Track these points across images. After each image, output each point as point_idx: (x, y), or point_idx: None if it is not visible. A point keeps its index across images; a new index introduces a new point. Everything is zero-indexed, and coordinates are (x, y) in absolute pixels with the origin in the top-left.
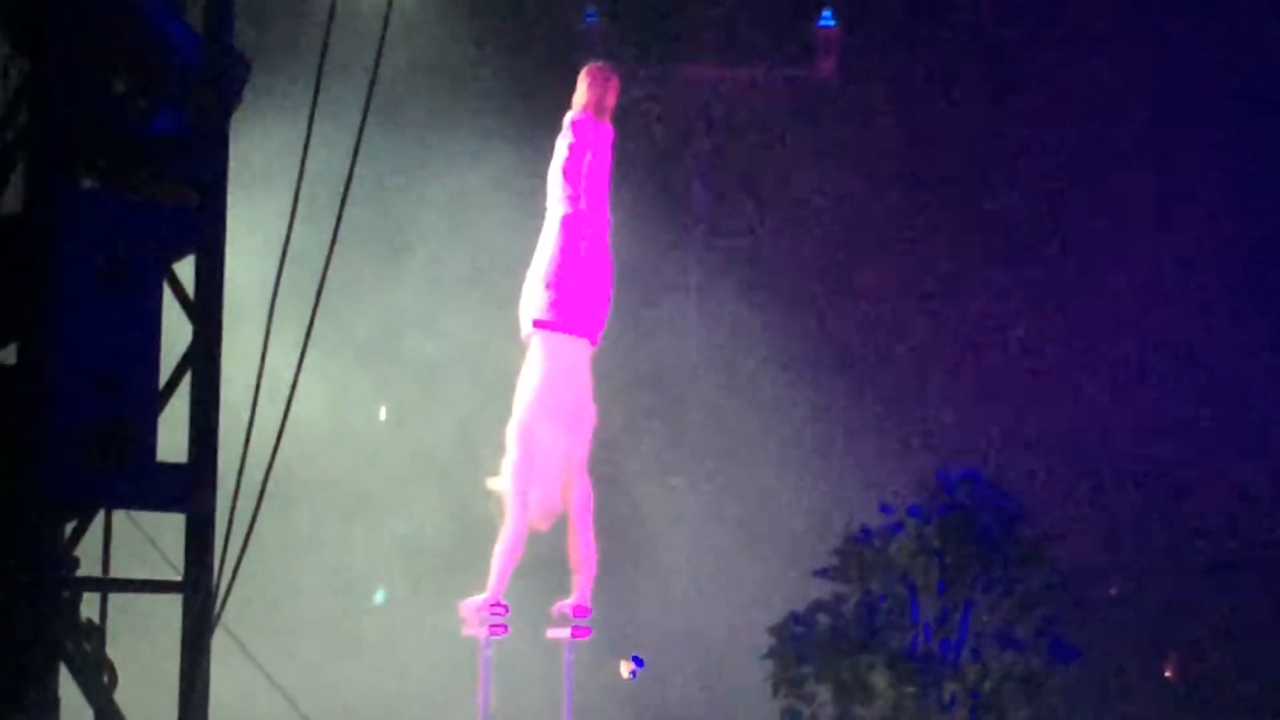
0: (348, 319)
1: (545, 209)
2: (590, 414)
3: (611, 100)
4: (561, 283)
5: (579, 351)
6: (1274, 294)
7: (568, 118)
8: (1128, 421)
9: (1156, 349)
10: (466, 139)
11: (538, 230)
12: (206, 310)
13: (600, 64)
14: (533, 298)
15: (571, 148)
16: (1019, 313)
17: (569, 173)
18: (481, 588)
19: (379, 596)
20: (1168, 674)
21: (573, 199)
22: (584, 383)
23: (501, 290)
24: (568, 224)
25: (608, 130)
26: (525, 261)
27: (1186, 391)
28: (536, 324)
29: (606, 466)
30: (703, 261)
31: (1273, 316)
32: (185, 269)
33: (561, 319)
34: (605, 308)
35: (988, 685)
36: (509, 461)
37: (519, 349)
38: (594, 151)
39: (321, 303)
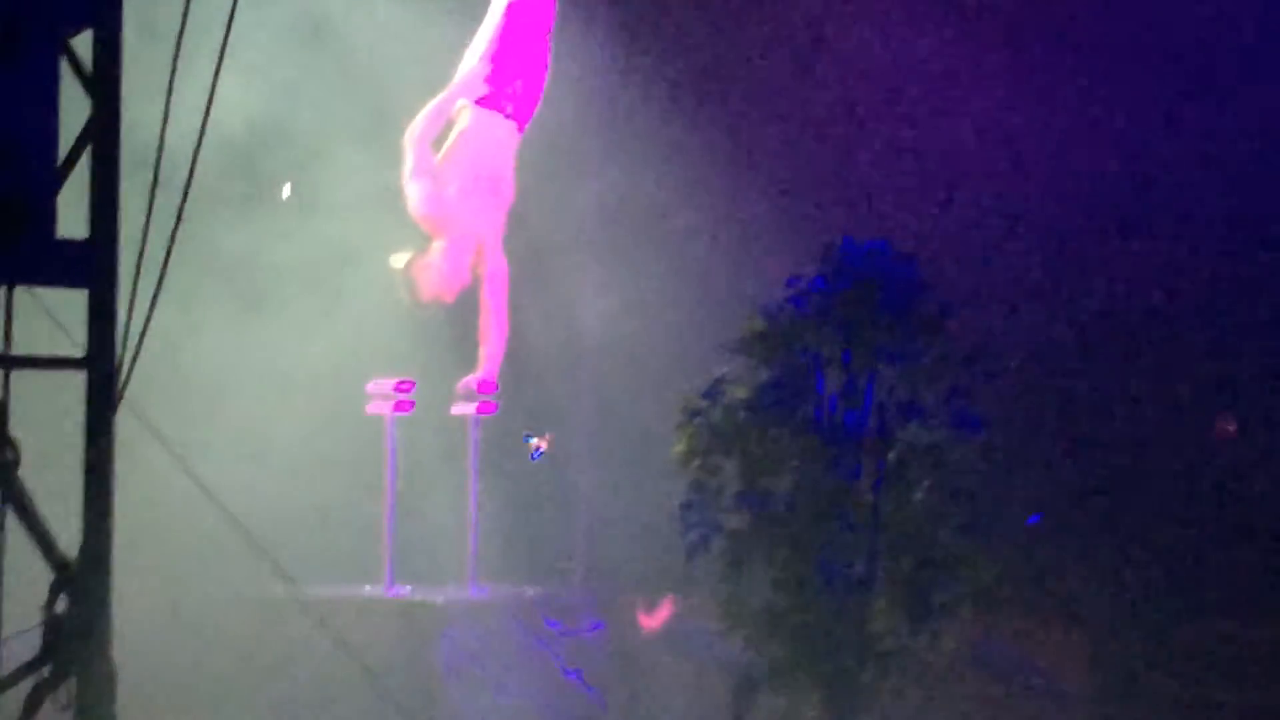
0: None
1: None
2: (508, 192)
3: None
4: (498, 63)
5: (505, 131)
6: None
7: None
8: (1038, 196)
9: (1070, 123)
10: None
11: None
12: (105, 84)
13: None
14: (466, 72)
15: None
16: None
17: None
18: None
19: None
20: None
21: None
22: (506, 162)
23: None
24: (512, 11)
25: None
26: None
27: (1098, 164)
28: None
29: (511, 242)
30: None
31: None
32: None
33: (493, 96)
34: (537, 98)
35: (892, 456)
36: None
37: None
38: None
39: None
